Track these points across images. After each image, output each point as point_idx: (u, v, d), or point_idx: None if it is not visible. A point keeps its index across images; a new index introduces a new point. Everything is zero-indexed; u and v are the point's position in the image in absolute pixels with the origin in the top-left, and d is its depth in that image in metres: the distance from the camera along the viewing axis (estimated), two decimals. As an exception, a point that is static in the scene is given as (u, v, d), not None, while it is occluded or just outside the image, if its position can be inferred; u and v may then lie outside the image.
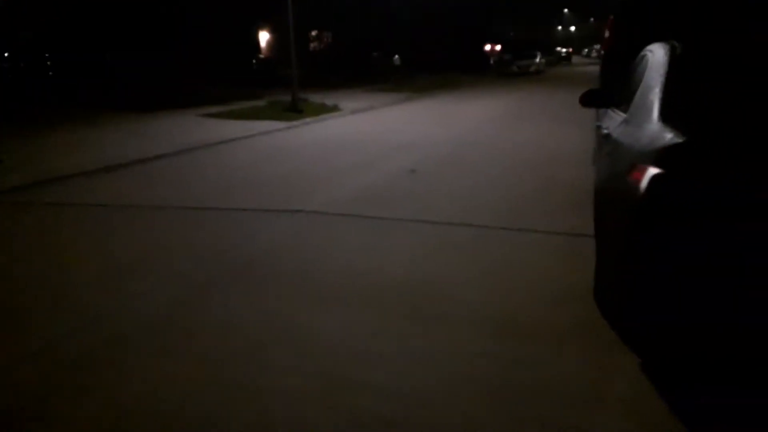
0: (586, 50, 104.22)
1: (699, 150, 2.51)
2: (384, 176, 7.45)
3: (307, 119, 14.83)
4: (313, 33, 37.01)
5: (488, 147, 9.62)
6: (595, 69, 46.21)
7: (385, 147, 9.83)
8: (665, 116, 2.80)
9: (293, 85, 16.19)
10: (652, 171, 2.53)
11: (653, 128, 2.77)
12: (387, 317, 3.45)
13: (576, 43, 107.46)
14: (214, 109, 16.11)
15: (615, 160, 3.10)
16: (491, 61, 50.12)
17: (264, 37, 38.56)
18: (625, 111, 3.58)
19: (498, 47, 72.19)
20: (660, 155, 2.55)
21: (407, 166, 7.94)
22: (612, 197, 3.04)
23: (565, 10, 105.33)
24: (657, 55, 3.45)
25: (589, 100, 5.16)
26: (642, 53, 4.24)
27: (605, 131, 3.62)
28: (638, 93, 3.30)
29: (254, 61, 28.01)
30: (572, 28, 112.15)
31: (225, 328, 3.38)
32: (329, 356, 3.03)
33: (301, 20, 16.25)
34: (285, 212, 5.81)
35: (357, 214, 5.69)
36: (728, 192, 2.38)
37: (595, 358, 2.97)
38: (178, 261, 4.51)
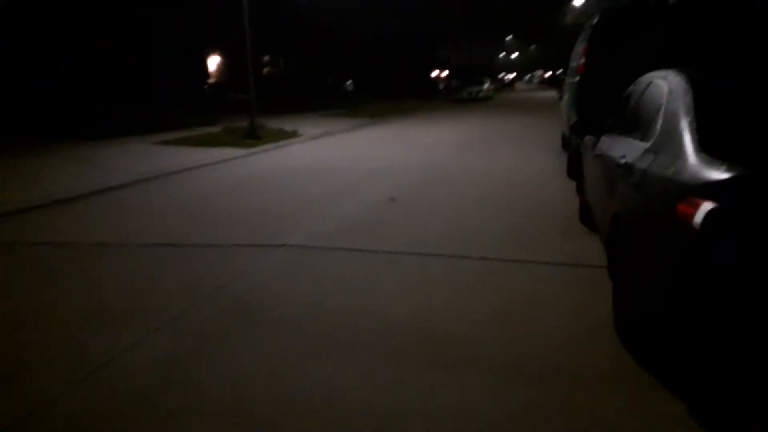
0: (528, 76, 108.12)
1: (752, 182, 2.42)
2: (364, 205, 7.19)
3: (267, 146, 14.45)
4: (266, 58, 36.66)
5: (461, 173, 9.53)
6: (540, 94, 47.95)
7: (356, 174, 9.59)
8: (706, 147, 2.70)
9: (251, 111, 15.78)
10: (707, 205, 2.42)
11: (696, 160, 2.65)
12: (405, 366, 3.16)
13: (518, 69, 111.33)
14: (168, 136, 15.49)
15: (649, 192, 2.97)
16: (441, 87, 51.06)
17: (214, 61, 37.93)
18: (641, 139, 3.49)
19: (445, 73, 73.82)
20: (713, 188, 2.44)
21: (385, 195, 7.72)
22: (648, 231, 2.90)
23: (508, 38, 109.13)
24: (673, 83, 3.38)
25: (583, 129, 5.13)
26: (644, 81, 4.20)
27: (623, 161, 3.50)
28: (661, 123, 3.20)
29: (206, 86, 27.32)
30: (514, 55, 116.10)
31: (234, 393, 2.99)
32: (362, 419, 2.71)
33: (253, 45, 15.91)
34: (267, 247, 5.44)
35: (344, 248, 5.40)
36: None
37: (638, 403, 2.78)
38: (164, 307, 4.08)
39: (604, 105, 5.64)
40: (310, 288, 4.39)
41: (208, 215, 6.99)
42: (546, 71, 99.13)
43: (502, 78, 68.37)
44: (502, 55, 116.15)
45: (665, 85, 3.48)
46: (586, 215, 5.73)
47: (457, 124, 20.56)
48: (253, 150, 13.57)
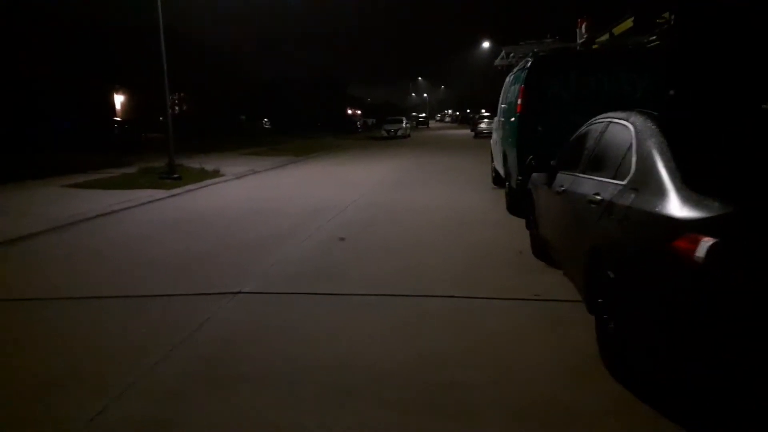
0: (439, 115, 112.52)
1: (748, 216, 2.54)
2: (311, 246, 6.96)
3: (189, 186, 13.83)
4: (180, 95, 35.60)
5: (400, 210, 9.54)
6: (454, 132, 49.81)
7: (293, 215, 9.34)
8: (690, 184, 2.82)
9: (169, 150, 15.05)
10: (708, 241, 2.50)
11: (686, 197, 2.76)
12: (404, 414, 2.99)
13: (428, 108, 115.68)
14: (79, 179, 14.43)
15: (637, 228, 3.04)
16: (358, 125, 51.81)
17: (118, 100, 36.29)
18: (612, 177, 3.60)
19: (359, 112, 75.18)
20: (713, 224, 2.54)
21: (330, 235, 7.54)
22: (640, 266, 2.96)
23: (419, 78, 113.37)
24: (639, 124, 3.54)
25: (540, 167, 5.28)
26: (599, 121, 4.39)
27: (598, 197, 3.60)
28: (636, 162, 3.33)
29: (116, 125, 25.98)
30: (425, 95, 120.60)
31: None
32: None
33: (157, 84, 15.27)
34: (222, 295, 5.07)
35: (303, 292, 5.15)
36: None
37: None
38: (120, 369, 3.65)
39: (550, 143, 5.88)
40: (276, 339, 4.10)
41: (140, 264, 6.44)
42: (455, 111, 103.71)
43: (418, 117, 70.50)
44: (413, 95, 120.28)
45: (630, 126, 3.64)
46: (540, 250, 5.85)
47: (381, 161, 20.78)
48: (174, 191, 12.91)
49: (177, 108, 36.65)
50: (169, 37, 15.09)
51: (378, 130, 39.51)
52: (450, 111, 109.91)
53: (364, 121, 57.85)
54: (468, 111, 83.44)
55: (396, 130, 38.51)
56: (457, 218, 8.68)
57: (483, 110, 57.29)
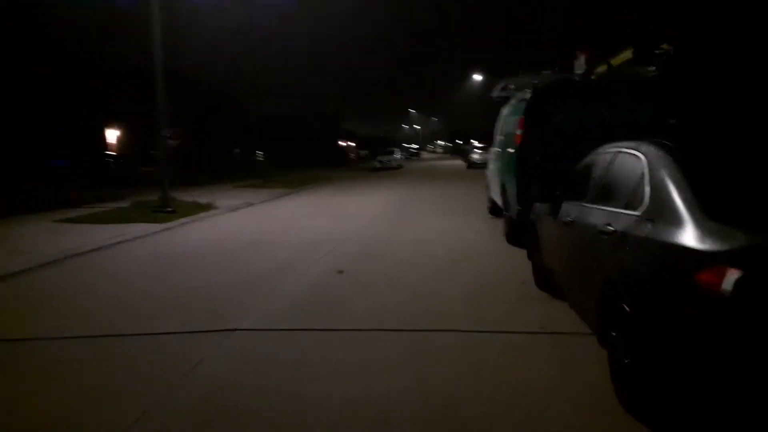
0: (431, 146, 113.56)
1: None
2: (310, 280, 6.82)
3: (183, 219, 13.67)
4: (174, 130, 35.65)
5: (398, 241, 9.44)
6: (446, 163, 50.14)
7: (290, 247, 9.20)
8: (710, 214, 2.75)
9: (163, 183, 14.94)
10: (734, 273, 2.42)
11: (705, 227, 2.68)
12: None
13: (421, 139, 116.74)
14: (72, 214, 14.23)
15: (656, 260, 2.95)
16: (351, 156, 52.11)
17: (112, 134, 36.29)
18: (624, 207, 3.53)
19: (352, 144, 75.68)
20: (738, 255, 2.47)
21: (329, 268, 7.40)
22: (660, 297, 2.86)
23: (412, 110, 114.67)
24: (651, 154, 3.48)
25: (544, 197, 5.22)
26: (606, 152, 4.34)
27: (609, 228, 3.52)
28: (650, 193, 3.26)
29: (110, 159, 25.90)
30: (417, 126, 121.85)
31: None
32: None
33: (151, 118, 15.28)
34: (218, 333, 4.90)
35: (304, 328, 4.99)
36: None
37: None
38: (119, 412, 3.46)
39: (550, 174, 5.84)
40: (280, 377, 3.93)
41: (134, 300, 6.25)
42: (447, 142, 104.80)
43: (409, 148, 71.07)
44: (405, 126, 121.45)
45: (641, 156, 3.58)
46: (544, 280, 5.75)
47: (375, 192, 20.77)
48: (168, 225, 12.74)
49: (171, 142, 36.68)
50: (165, 73, 15.15)
51: (371, 161, 39.74)
52: (442, 142, 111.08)
53: (357, 153, 58.20)
54: (459, 142, 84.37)
55: (389, 161, 38.84)
56: (456, 248, 8.58)
57: (473, 141, 57.91)
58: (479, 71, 48.26)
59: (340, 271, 7.09)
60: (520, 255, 7.66)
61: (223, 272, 7.53)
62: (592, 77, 7.79)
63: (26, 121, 20.73)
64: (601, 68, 7.84)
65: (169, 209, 14.45)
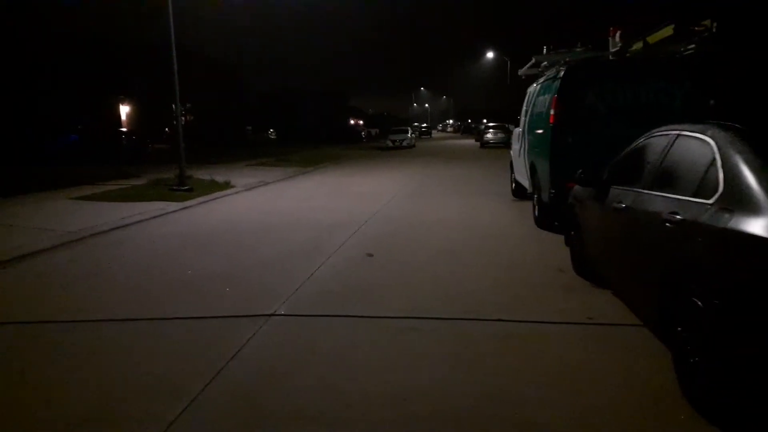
0: (441, 125, 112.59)
1: None
2: (341, 263, 6.67)
3: (201, 198, 13.55)
4: (182, 108, 35.48)
5: (422, 224, 9.25)
6: (458, 142, 49.73)
7: (313, 229, 9.05)
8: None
9: (180, 161, 14.80)
10: None
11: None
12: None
13: (430, 118, 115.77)
14: (87, 191, 14.14)
15: (739, 255, 2.75)
16: (363, 135, 51.68)
17: (124, 110, 36.17)
18: (692, 195, 3.32)
19: (361, 122, 75.14)
20: None
21: (356, 251, 7.25)
22: (743, 296, 2.67)
23: (421, 88, 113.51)
24: (721, 138, 3.27)
25: (588, 180, 5.01)
26: (664, 135, 4.11)
27: (677, 217, 3.31)
28: (724, 180, 3.05)
29: (123, 136, 25.76)
30: (426, 105, 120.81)
31: None
32: None
33: (165, 94, 15.08)
34: (256, 318, 4.77)
35: (341, 315, 4.84)
36: None
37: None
38: (159, 405, 3.35)
39: (585, 155, 5.64)
40: (322, 369, 3.79)
41: (161, 282, 6.14)
42: (457, 121, 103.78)
43: (420, 127, 70.44)
44: (415, 105, 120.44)
45: (710, 140, 3.36)
46: (584, 268, 5.57)
47: (391, 172, 20.53)
48: (187, 203, 12.63)
49: (184, 119, 36.54)
50: (176, 49, 14.90)
51: (382, 140, 39.36)
52: (451, 121, 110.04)
53: (368, 131, 57.74)
54: (469, 121, 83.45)
55: (402, 140, 38.38)
56: (484, 232, 8.40)
57: (485, 120, 57.27)
58: (496, 49, 47.48)
59: (370, 255, 6.94)
60: (552, 240, 7.49)
61: (249, 254, 7.39)
62: (627, 55, 7.49)
63: (36, 99, 20.60)
64: (637, 46, 7.52)
65: (187, 187, 14.33)
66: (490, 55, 46.42)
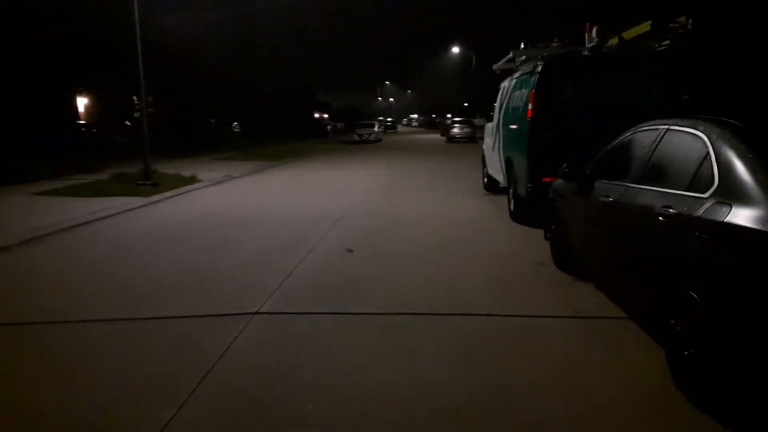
0: (405, 120, 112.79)
1: None
2: (320, 259, 6.57)
3: (167, 193, 13.20)
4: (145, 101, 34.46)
5: (398, 218, 9.22)
6: (423, 137, 49.89)
7: (287, 223, 8.90)
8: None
9: (144, 155, 14.38)
10: None
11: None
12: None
13: (395, 113, 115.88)
14: (47, 186, 13.61)
15: (739, 248, 2.79)
16: (328, 129, 51.32)
17: (82, 102, 34.88)
18: (684, 189, 3.36)
19: (326, 116, 74.60)
20: None
21: (335, 246, 7.16)
22: (743, 289, 2.72)
23: (386, 83, 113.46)
24: (714, 132, 3.32)
25: (573, 174, 5.05)
26: (651, 129, 4.16)
27: (671, 211, 3.35)
28: (719, 174, 3.10)
29: (82, 129, 24.83)
30: (391, 99, 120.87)
31: None
32: None
33: (123, 86, 14.60)
34: (239, 316, 4.64)
35: (328, 312, 4.76)
36: None
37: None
38: (147, 410, 3.21)
39: (562, 149, 5.70)
40: (312, 367, 3.71)
41: (136, 281, 5.90)
42: (421, 116, 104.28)
43: (386, 121, 70.41)
44: (379, 99, 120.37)
45: (702, 135, 3.41)
46: (565, 261, 5.63)
47: (360, 166, 20.43)
48: (153, 198, 12.28)
49: (147, 111, 35.51)
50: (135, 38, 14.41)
51: (348, 134, 39.22)
52: (416, 116, 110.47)
53: (334, 125, 57.39)
54: (434, 116, 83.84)
55: (369, 135, 38.29)
56: (461, 227, 8.42)
57: (449, 115, 57.61)
58: (462, 45, 47.72)
59: (350, 250, 6.85)
60: (528, 234, 7.56)
61: (225, 249, 7.21)
62: (603, 50, 7.60)
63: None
64: (612, 41, 7.63)
65: (152, 182, 13.94)
66: (455, 50, 46.71)
